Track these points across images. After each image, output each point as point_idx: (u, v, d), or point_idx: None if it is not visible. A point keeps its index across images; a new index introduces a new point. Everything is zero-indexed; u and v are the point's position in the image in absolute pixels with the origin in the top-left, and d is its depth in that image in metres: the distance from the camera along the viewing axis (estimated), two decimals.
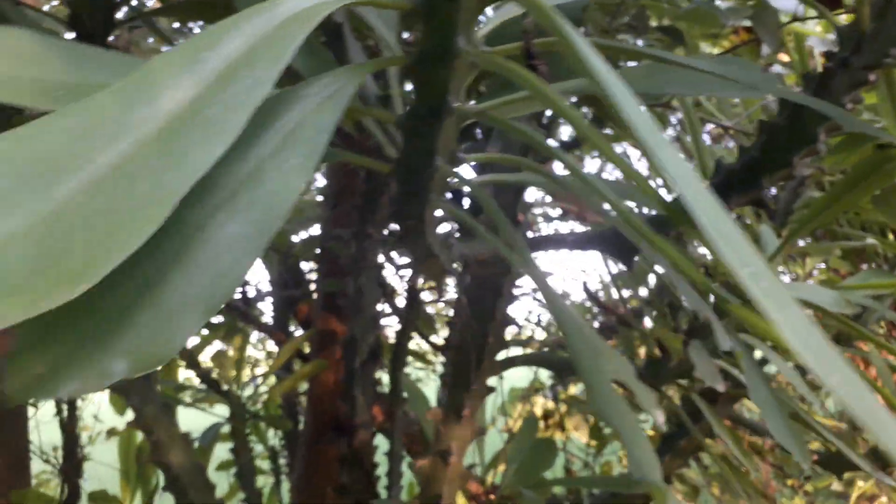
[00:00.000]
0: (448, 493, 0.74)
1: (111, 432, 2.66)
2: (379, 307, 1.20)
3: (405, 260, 1.33)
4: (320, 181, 2.18)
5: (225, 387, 1.26)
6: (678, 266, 0.31)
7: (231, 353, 1.29)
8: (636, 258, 0.57)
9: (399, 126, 0.37)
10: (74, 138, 0.21)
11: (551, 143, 0.86)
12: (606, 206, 0.40)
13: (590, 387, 0.28)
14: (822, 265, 1.06)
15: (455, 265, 0.52)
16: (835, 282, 0.95)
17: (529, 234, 0.84)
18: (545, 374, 1.95)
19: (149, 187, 0.21)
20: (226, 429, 1.43)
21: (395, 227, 0.45)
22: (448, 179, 0.40)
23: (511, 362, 0.73)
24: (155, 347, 0.23)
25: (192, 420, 1.47)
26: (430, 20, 0.32)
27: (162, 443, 0.89)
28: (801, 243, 0.98)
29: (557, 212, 2.96)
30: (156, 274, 0.24)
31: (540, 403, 2.06)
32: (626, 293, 1.53)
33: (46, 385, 0.21)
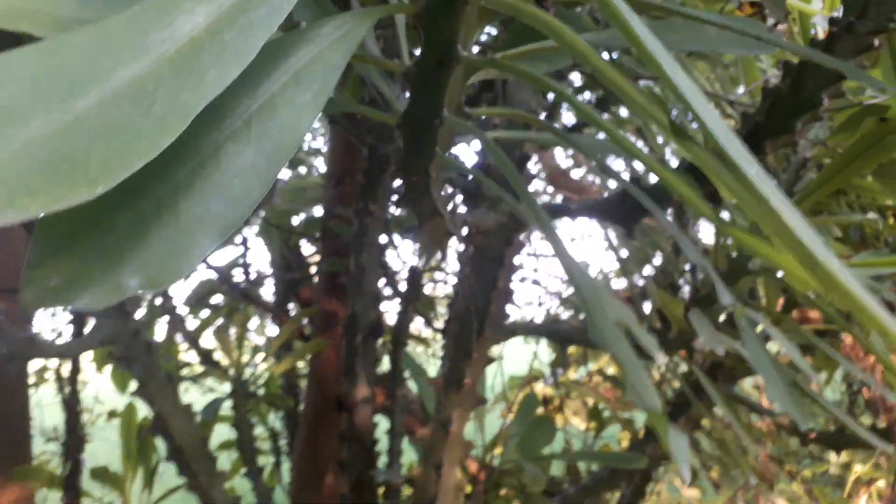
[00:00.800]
0: (448, 462, 0.75)
1: (112, 414, 2.67)
2: (380, 288, 1.20)
3: (407, 243, 1.33)
4: (321, 167, 2.19)
5: (226, 363, 1.26)
6: (689, 200, 0.31)
7: (233, 331, 1.29)
8: (637, 225, 0.57)
9: (406, 77, 0.37)
10: (93, 55, 0.22)
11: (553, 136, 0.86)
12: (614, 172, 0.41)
13: (592, 322, 0.28)
14: None
15: (458, 228, 0.52)
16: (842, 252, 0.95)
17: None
18: (545, 359, 1.96)
19: (166, 103, 0.21)
20: (227, 410, 1.44)
21: (400, 185, 0.45)
22: (455, 133, 0.40)
23: (512, 331, 0.73)
24: (168, 266, 0.23)
25: (194, 400, 1.48)
26: None
27: (165, 414, 0.90)
28: None
29: (558, 200, 2.96)
30: (170, 196, 0.24)
31: (539, 389, 2.06)
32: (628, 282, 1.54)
33: (61, 296, 0.22)
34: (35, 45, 0.22)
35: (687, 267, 0.88)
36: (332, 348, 1.28)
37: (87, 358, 2.09)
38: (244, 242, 1.47)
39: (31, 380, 2.49)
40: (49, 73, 0.21)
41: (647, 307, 1.21)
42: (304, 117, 0.27)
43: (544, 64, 0.47)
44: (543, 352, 2.05)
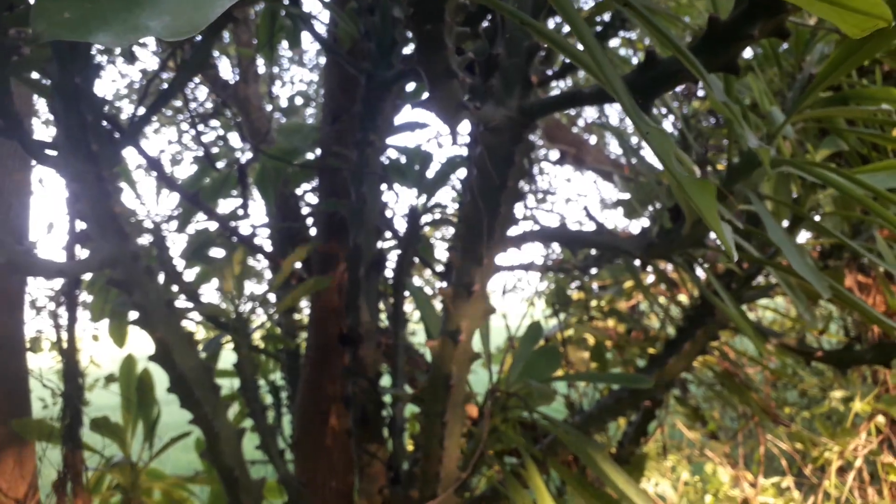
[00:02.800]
0: (457, 373, 0.74)
1: (109, 378, 2.66)
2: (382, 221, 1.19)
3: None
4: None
5: (225, 305, 1.24)
6: None
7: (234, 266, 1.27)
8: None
9: None
10: None
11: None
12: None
13: (628, 109, 0.27)
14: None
15: (469, 101, 0.50)
16: (844, 171, 0.94)
17: None
18: (544, 311, 1.95)
19: None
20: (228, 364, 1.43)
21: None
22: None
23: (523, 238, 0.72)
24: (188, 14, 0.22)
25: None
26: None
27: (166, 341, 0.88)
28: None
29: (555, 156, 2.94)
30: None
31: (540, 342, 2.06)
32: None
33: (77, 28, 0.20)
34: None
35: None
36: (333, 288, 1.26)
37: (83, 322, 2.07)
38: (244, 191, 1.45)
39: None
40: None
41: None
42: None
43: None
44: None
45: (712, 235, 0.69)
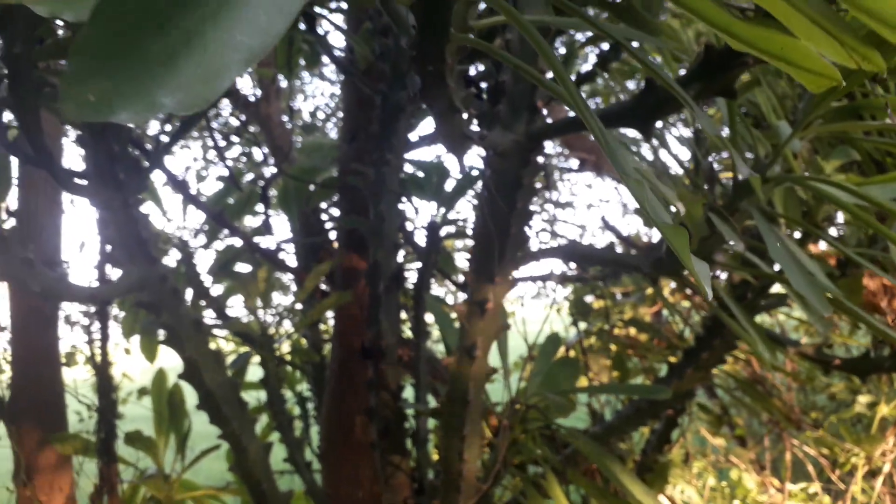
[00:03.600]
0: (474, 388, 0.76)
1: (142, 392, 2.72)
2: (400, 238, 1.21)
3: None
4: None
5: (250, 318, 1.28)
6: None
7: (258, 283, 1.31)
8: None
9: None
10: None
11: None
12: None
13: (608, 151, 0.29)
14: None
15: (475, 138, 0.52)
16: (853, 180, 0.94)
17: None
18: (566, 322, 1.96)
19: None
20: (255, 378, 1.46)
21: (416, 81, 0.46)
22: (467, 16, 0.40)
23: (534, 256, 0.74)
24: (198, 89, 0.24)
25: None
26: None
27: (194, 360, 0.92)
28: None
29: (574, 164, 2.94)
30: (198, 26, 0.25)
31: (561, 352, 2.07)
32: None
33: (100, 110, 0.23)
34: None
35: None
36: (355, 302, 1.29)
37: (115, 337, 2.14)
38: (266, 209, 1.48)
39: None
40: None
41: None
42: None
43: None
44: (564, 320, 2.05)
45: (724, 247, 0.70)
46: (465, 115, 0.50)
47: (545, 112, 0.66)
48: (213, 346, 0.94)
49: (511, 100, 0.63)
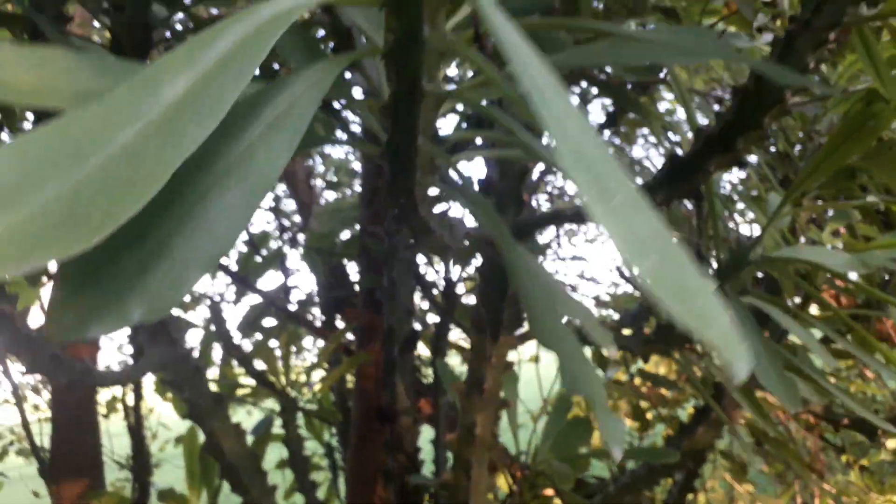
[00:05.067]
0: (477, 464, 0.78)
1: (178, 440, 2.79)
2: (417, 301, 1.25)
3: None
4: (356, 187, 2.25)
5: (274, 380, 1.32)
6: None
7: (279, 348, 1.36)
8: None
9: (384, 112, 0.41)
10: (97, 124, 0.27)
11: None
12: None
13: (533, 318, 0.32)
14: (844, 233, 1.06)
15: (458, 241, 0.56)
16: (857, 246, 0.95)
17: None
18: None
19: (152, 161, 0.26)
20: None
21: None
22: (433, 159, 0.44)
23: (526, 336, 0.76)
24: (164, 298, 0.28)
25: (256, 421, 1.56)
26: (399, 14, 0.37)
27: (216, 433, 0.96)
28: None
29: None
30: (166, 239, 0.29)
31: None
32: None
33: (76, 330, 0.27)
34: (52, 120, 0.27)
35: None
36: (374, 361, 1.33)
37: (150, 386, 2.21)
38: (284, 267, 1.54)
39: (102, 411, 2.63)
40: (61, 143, 0.26)
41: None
42: (279, 159, 0.32)
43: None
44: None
45: None
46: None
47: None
48: (234, 418, 0.98)
49: (498, 196, 0.67)
